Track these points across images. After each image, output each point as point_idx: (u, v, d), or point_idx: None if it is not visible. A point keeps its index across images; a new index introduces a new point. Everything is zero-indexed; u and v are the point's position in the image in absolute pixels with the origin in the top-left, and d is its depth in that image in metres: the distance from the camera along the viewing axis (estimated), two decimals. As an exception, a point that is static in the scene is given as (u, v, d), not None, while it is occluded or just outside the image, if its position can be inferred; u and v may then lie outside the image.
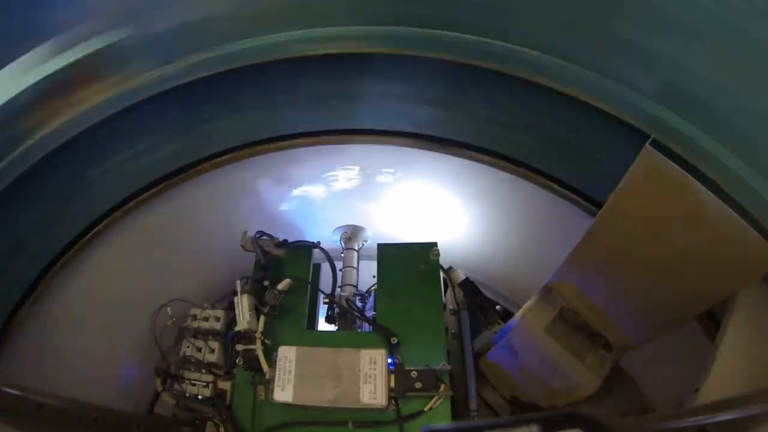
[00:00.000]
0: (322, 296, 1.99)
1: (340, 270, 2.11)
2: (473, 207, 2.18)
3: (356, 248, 2.30)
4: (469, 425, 0.87)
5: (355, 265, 2.23)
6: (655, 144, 1.15)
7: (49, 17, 1.10)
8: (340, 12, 1.23)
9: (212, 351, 1.77)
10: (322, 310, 2.06)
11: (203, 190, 1.92)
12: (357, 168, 2.08)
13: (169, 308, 1.88)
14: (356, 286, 2.14)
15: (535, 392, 1.69)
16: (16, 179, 1.30)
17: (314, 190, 2.24)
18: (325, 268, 2.05)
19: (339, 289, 2.03)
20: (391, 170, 2.08)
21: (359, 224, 2.36)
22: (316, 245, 1.95)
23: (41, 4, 1.08)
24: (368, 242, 2.38)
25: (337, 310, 1.97)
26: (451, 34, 1.22)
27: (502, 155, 1.76)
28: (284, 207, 2.26)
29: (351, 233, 2.33)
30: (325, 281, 2.04)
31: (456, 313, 1.93)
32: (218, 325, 1.80)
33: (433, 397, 1.56)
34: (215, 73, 1.36)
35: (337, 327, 1.97)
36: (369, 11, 1.23)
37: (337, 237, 2.36)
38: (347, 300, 1.98)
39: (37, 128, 1.27)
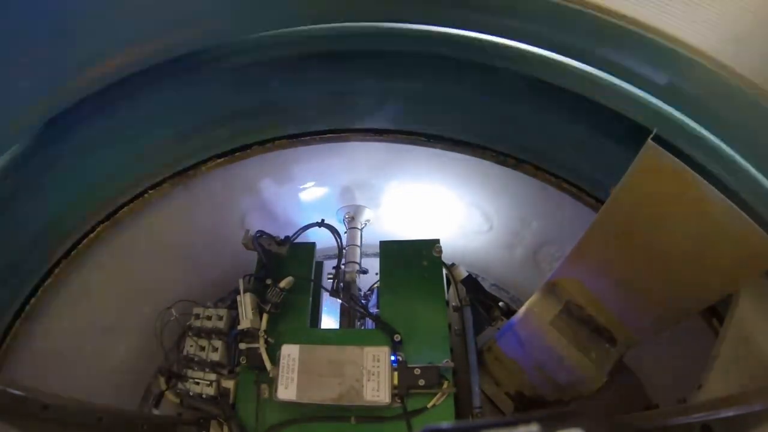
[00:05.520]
0: (324, 294, 1.99)
1: (345, 248, 2.12)
2: (474, 203, 2.17)
3: (359, 227, 2.32)
4: (469, 424, 0.86)
5: (358, 243, 2.26)
6: (657, 139, 1.15)
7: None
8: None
9: (215, 350, 1.78)
10: (325, 308, 2.07)
11: (204, 190, 1.93)
12: (358, 166, 2.08)
13: (173, 308, 1.89)
14: (359, 263, 2.16)
15: (540, 386, 1.69)
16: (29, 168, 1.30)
17: (315, 190, 2.25)
18: (327, 266, 2.06)
19: (343, 266, 2.05)
20: (393, 168, 2.08)
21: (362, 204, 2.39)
22: (321, 223, 1.95)
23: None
24: (370, 223, 2.40)
25: (342, 284, 1.99)
26: (451, 30, 1.21)
27: (504, 152, 1.76)
28: (285, 206, 2.27)
29: (354, 213, 2.35)
30: (327, 282, 2.06)
31: (459, 309, 1.93)
32: (221, 324, 1.80)
33: (436, 394, 1.56)
34: (216, 72, 1.36)
35: (339, 322, 1.98)
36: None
37: (340, 217, 2.38)
38: (352, 296, 1.99)
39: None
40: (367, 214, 2.36)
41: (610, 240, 1.38)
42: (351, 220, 2.34)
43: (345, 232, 2.28)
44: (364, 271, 2.15)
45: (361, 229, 2.33)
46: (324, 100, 1.67)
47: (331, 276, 2.02)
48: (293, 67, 1.45)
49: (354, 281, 2.05)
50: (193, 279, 2.23)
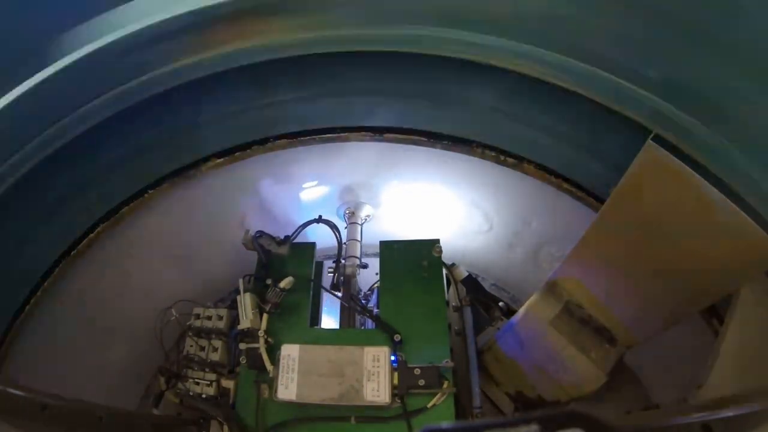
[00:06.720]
0: (324, 294, 1.99)
1: (345, 243, 2.13)
2: (474, 203, 2.17)
3: (359, 222, 2.33)
4: (469, 425, 0.86)
5: (359, 238, 2.26)
6: (658, 139, 1.15)
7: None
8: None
9: (215, 350, 1.78)
10: (325, 308, 2.07)
11: (204, 190, 1.92)
12: (358, 166, 2.08)
13: (173, 308, 1.89)
14: (360, 258, 2.16)
15: (540, 386, 1.69)
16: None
17: (315, 190, 2.24)
18: (327, 266, 2.06)
19: (343, 261, 2.06)
20: (392, 168, 2.08)
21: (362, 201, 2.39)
22: (319, 219, 1.96)
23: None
24: (370, 220, 2.41)
25: (341, 279, 2.00)
26: (452, 31, 1.21)
27: (505, 151, 1.75)
28: (285, 206, 2.27)
29: (354, 208, 2.37)
30: (327, 280, 2.05)
31: (459, 309, 1.93)
32: (221, 324, 1.80)
33: (436, 394, 1.56)
34: (216, 72, 1.36)
35: (339, 322, 1.98)
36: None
37: (340, 213, 2.39)
38: (352, 296, 1.98)
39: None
40: (367, 210, 2.37)
41: (611, 240, 1.38)
42: (351, 216, 2.35)
43: (345, 227, 2.29)
44: (365, 266, 2.15)
45: (362, 225, 2.33)
46: (324, 100, 1.67)
47: (331, 270, 2.03)
48: (293, 68, 1.45)
49: (354, 276, 2.06)
50: (193, 279, 2.23)
